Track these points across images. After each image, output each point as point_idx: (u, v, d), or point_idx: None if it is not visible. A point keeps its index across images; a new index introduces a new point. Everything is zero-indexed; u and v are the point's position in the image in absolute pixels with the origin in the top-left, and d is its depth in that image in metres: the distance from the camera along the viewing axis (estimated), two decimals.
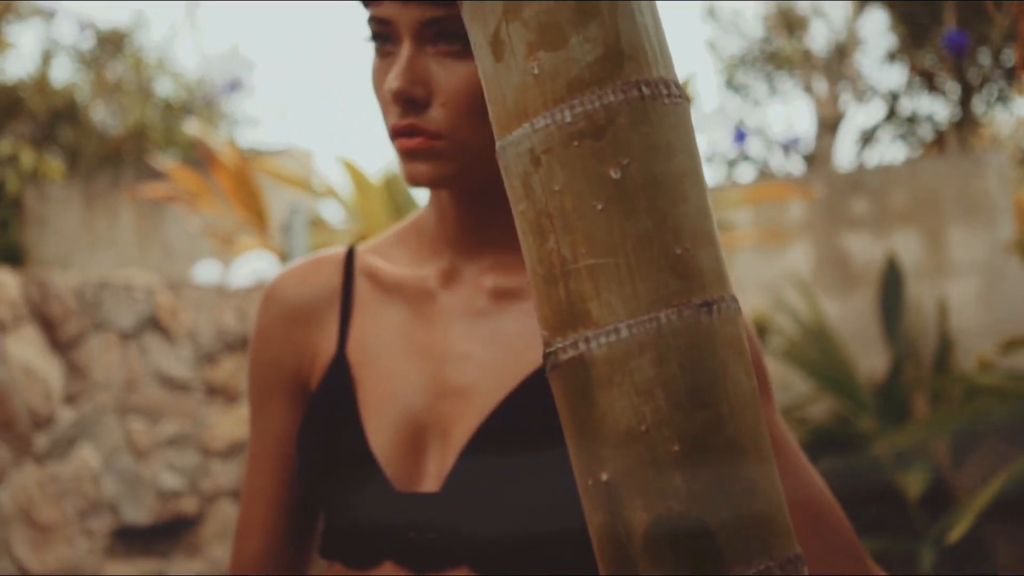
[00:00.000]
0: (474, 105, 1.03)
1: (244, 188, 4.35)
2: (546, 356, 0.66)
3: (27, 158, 6.54)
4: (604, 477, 0.63)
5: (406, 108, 1.03)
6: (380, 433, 1.05)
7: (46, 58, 7.22)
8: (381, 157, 6.82)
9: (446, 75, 1.03)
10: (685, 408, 0.62)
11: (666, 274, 0.63)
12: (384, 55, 1.05)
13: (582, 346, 0.63)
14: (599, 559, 0.66)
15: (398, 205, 4.22)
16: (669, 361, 0.63)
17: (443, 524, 1.01)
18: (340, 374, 1.08)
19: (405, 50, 1.03)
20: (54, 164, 6.65)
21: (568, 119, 0.63)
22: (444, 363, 1.07)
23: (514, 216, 0.66)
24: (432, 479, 1.03)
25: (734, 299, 0.66)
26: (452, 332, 1.09)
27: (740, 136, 6.46)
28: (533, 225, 0.65)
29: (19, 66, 9.35)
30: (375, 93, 1.07)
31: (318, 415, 1.08)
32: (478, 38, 0.67)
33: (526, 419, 1.01)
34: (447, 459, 1.03)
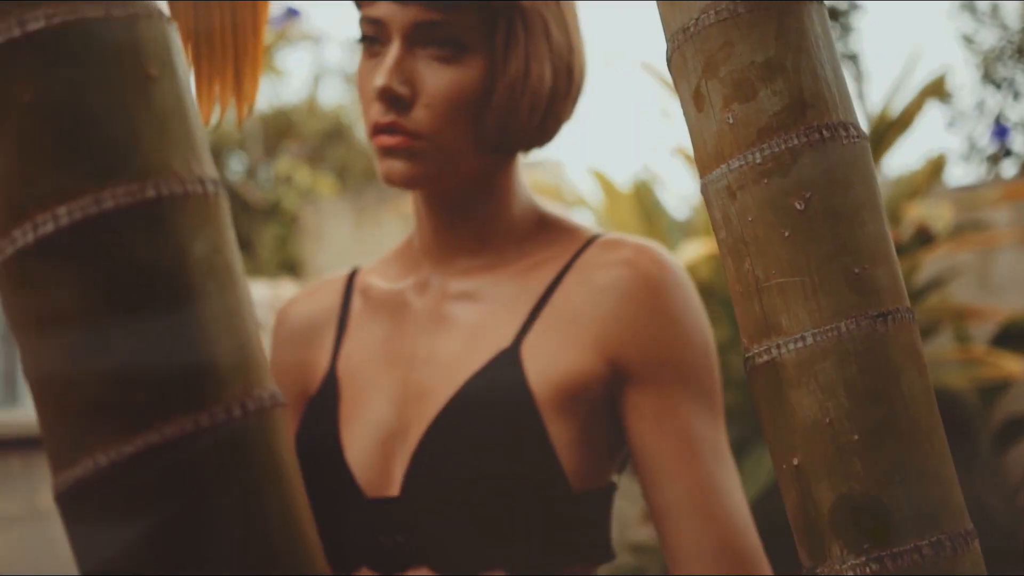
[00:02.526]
0: (457, 110, 1.04)
1: None
2: (745, 360, 0.78)
3: (302, 176, 7.01)
4: (795, 462, 0.75)
5: (389, 106, 1.03)
6: (354, 442, 1.06)
7: (315, 82, 7.70)
8: (630, 166, 6.95)
9: (433, 78, 1.04)
10: (864, 404, 0.73)
11: (845, 290, 0.74)
12: (372, 55, 1.06)
13: (774, 352, 0.75)
14: (795, 532, 0.77)
15: (647, 213, 4.33)
16: (849, 364, 0.74)
17: (404, 526, 1.02)
18: (328, 389, 1.10)
19: (394, 49, 1.04)
20: (326, 181, 7.09)
21: (758, 160, 0.75)
22: (410, 369, 1.07)
23: (716, 242, 0.78)
24: (396, 483, 1.04)
25: (909, 311, 0.77)
26: (419, 338, 1.09)
27: (1001, 131, 6.23)
28: (731, 250, 0.77)
29: (291, 90, 10.01)
30: (359, 92, 1.08)
31: (303, 429, 1.09)
32: (683, 92, 0.80)
33: (465, 419, 1.02)
34: (405, 462, 1.04)
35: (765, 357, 0.75)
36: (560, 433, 1.00)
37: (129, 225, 0.53)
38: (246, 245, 6.74)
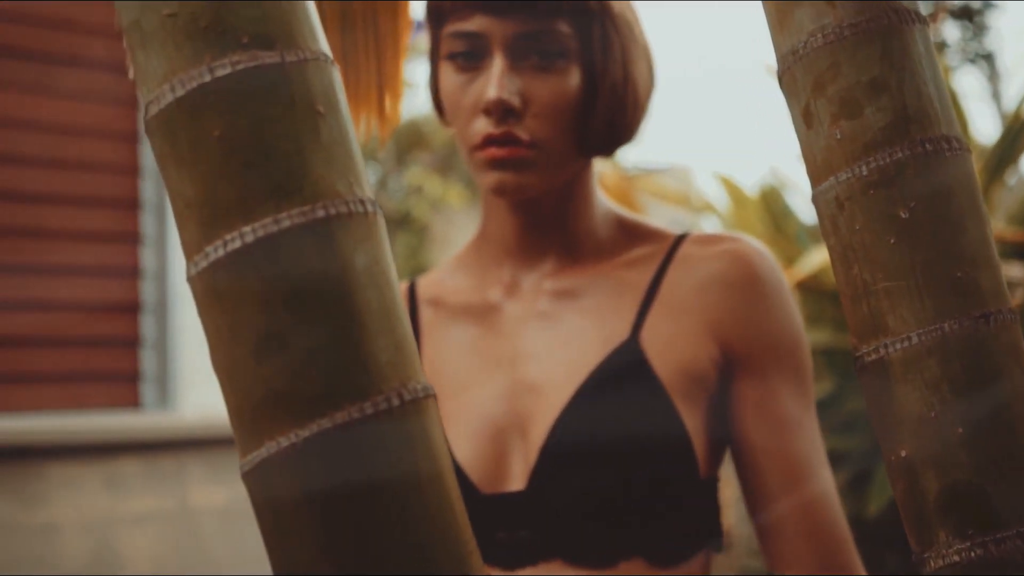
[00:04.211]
0: (564, 116, 1.06)
1: (627, 206, 4.61)
2: (855, 359, 0.83)
3: (432, 186, 7.15)
4: (903, 453, 0.80)
5: (502, 117, 1.05)
6: (462, 441, 1.07)
7: None
8: (757, 171, 6.94)
9: (538, 88, 1.05)
10: (967, 399, 0.78)
11: (948, 293, 0.79)
12: (465, 69, 1.07)
13: (882, 351, 0.80)
14: (904, 520, 0.82)
15: (775, 218, 4.33)
16: (952, 362, 0.78)
17: (533, 520, 1.03)
18: None
19: (499, 61, 1.05)
20: (455, 191, 7.22)
21: (865, 173, 0.80)
22: (515, 366, 1.09)
23: (826, 248, 0.84)
24: (517, 478, 1.05)
25: (1011, 311, 0.81)
26: (519, 337, 1.10)
27: None
28: (840, 256, 0.82)
29: (421, 102, 10.21)
30: (451, 108, 1.09)
31: None
32: (793, 110, 0.86)
33: (597, 410, 1.03)
34: (529, 456, 1.05)
35: (873, 356, 0.80)
36: (688, 419, 1.04)
37: (303, 241, 0.62)
38: None
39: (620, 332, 1.08)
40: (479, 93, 1.06)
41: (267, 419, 0.61)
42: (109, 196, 3.70)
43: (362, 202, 0.64)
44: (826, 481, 1.07)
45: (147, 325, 3.74)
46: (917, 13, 0.83)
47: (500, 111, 1.04)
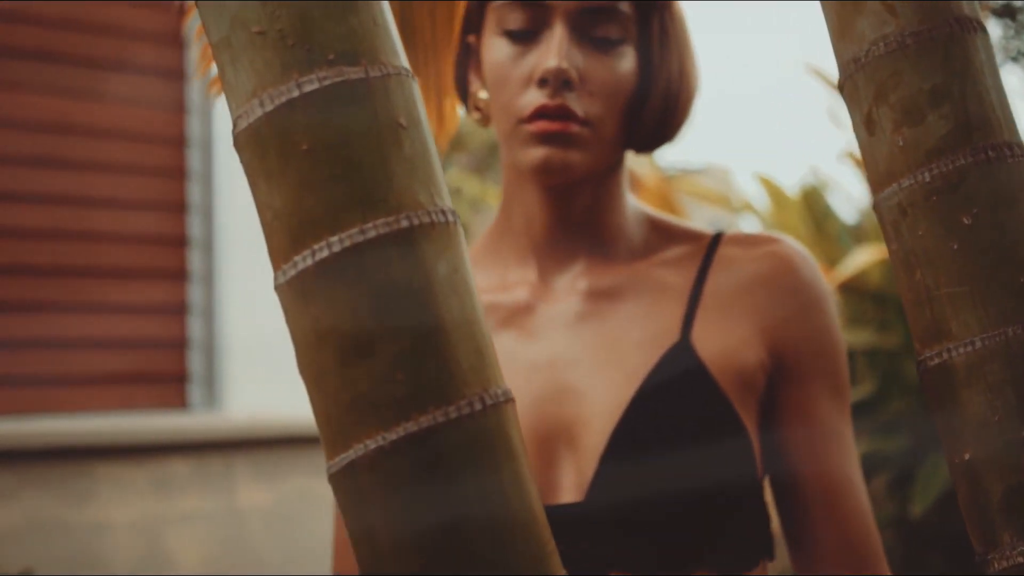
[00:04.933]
0: (619, 100, 1.03)
1: (666, 207, 4.62)
2: (918, 363, 0.85)
3: (471, 187, 7.18)
4: (966, 456, 0.81)
5: (558, 89, 1.00)
6: None
7: None
8: (797, 171, 6.93)
9: (597, 66, 1.02)
10: None
11: (1011, 298, 0.80)
12: (519, 41, 1.03)
13: (945, 355, 0.81)
14: (967, 521, 0.83)
15: (816, 219, 4.32)
16: (1015, 366, 0.80)
17: (593, 532, 0.98)
18: None
19: (559, 31, 1.01)
20: (494, 192, 7.25)
21: (927, 179, 0.82)
22: (555, 372, 1.03)
23: (889, 254, 0.85)
24: (570, 489, 1.00)
25: None
26: (557, 340, 1.05)
27: None
28: (903, 262, 0.84)
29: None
30: (500, 80, 1.04)
31: None
32: (855, 117, 0.87)
33: (655, 419, 0.99)
34: (583, 467, 1.00)
35: (937, 360, 0.81)
36: (746, 423, 1.02)
37: (387, 250, 0.64)
38: None
39: (669, 334, 1.04)
40: (534, 64, 1.02)
41: (354, 423, 0.63)
42: (156, 199, 3.75)
43: (443, 212, 0.66)
44: (862, 494, 1.06)
45: (195, 327, 3.79)
46: (978, 22, 0.84)
47: (558, 81, 1.00)
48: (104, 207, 3.63)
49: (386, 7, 0.68)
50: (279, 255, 0.66)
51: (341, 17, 0.65)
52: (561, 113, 1.01)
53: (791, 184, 4.41)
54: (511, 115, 1.03)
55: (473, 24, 1.10)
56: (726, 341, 1.03)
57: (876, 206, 0.86)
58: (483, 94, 1.10)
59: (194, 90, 3.80)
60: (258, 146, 0.65)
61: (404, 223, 0.64)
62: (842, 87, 0.87)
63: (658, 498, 0.97)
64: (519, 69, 1.03)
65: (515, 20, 1.03)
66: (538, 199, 1.08)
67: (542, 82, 1.01)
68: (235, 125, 0.67)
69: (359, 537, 0.65)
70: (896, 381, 3.54)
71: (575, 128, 1.01)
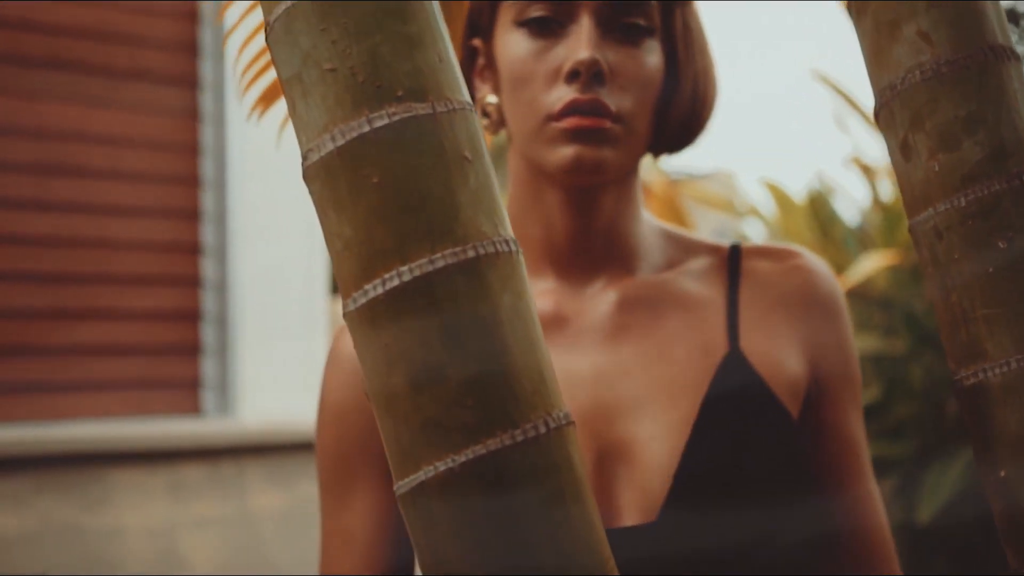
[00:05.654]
0: (649, 96, 0.99)
1: (672, 213, 4.64)
2: (954, 383, 0.87)
3: None
4: (1002, 474, 0.84)
5: (589, 83, 0.96)
6: None
7: None
8: (801, 176, 6.96)
9: (627, 59, 0.98)
10: None
11: None
12: (542, 35, 0.98)
13: (981, 375, 0.84)
14: (1001, 536, 0.86)
15: (823, 224, 4.34)
16: None
17: (669, 554, 0.94)
18: None
19: (588, 23, 0.97)
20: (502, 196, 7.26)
21: (963, 204, 0.84)
22: (600, 387, 0.99)
23: (925, 276, 0.88)
24: (633, 510, 0.96)
25: None
26: (598, 354, 1.01)
27: None
28: (938, 284, 0.86)
29: None
30: (522, 76, 0.99)
31: None
32: (891, 142, 0.90)
33: (723, 433, 0.97)
34: (649, 485, 0.96)
35: (973, 380, 0.84)
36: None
37: (455, 279, 0.66)
38: None
39: (717, 345, 1.01)
40: (562, 58, 0.97)
41: (424, 445, 0.66)
42: (170, 207, 3.78)
43: (507, 242, 0.68)
44: (880, 503, 1.07)
45: (208, 333, 3.82)
46: (1012, 51, 0.87)
47: (590, 74, 0.95)
48: (118, 214, 3.66)
49: (450, 45, 0.71)
50: (349, 283, 0.68)
51: (408, 55, 0.68)
52: (594, 108, 0.96)
53: (797, 190, 4.42)
54: (536, 113, 0.98)
55: (480, 26, 1.05)
56: (774, 353, 1.01)
57: (912, 229, 0.88)
58: (491, 98, 1.06)
59: (207, 99, 3.82)
60: (329, 178, 0.68)
61: (471, 253, 0.66)
62: (878, 113, 0.89)
63: (737, 516, 0.94)
64: (544, 64, 0.98)
65: (538, 11, 0.98)
66: (560, 204, 1.02)
67: (572, 76, 0.96)
68: (305, 158, 0.69)
69: (426, 555, 0.67)
70: (902, 386, 3.57)
71: (608, 124, 0.96)
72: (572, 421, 0.68)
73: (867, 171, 4.23)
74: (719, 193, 5.55)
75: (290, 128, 0.82)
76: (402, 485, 0.67)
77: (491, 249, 0.67)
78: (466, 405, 0.65)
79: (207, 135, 3.81)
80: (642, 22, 0.99)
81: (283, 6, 0.68)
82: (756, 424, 0.98)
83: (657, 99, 1.01)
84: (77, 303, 3.59)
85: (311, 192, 0.70)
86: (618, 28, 0.98)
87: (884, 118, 0.89)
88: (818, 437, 1.05)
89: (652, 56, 1.00)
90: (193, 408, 3.76)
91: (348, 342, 1.02)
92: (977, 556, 3.48)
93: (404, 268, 0.66)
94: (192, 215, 3.80)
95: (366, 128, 0.67)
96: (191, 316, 3.79)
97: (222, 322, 3.81)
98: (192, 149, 3.79)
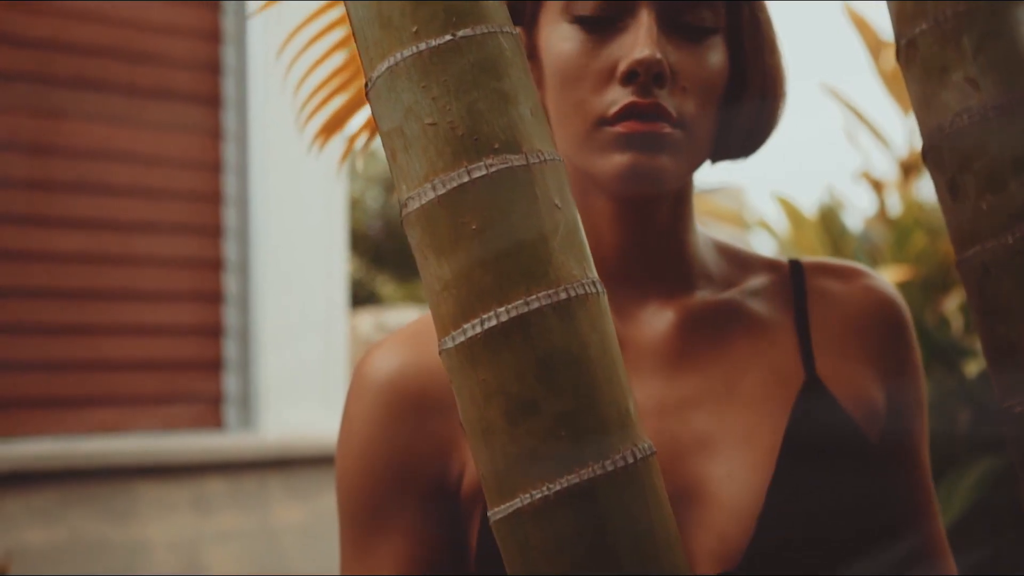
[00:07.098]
0: (712, 99, 0.91)
1: None
2: (1003, 411, 0.92)
3: None
4: None
5: (648, 86, 0.87)
6: None
7: None
8: (811, 191, 7.01)
9: (689, 59, 0.89)
10: None
11: None
12: (595, 30, 0.89)
13: None
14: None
15: (833, 238, 4.38)
16: None
17: None
18: None
19: (647, 19, 0.87)
20: None
21: (1010, 241, 0.89)
22: (666, 418, 0.92)
23: (970, 310, 0.93)
24: (710, 557, 0.88)
25: None
26: (660, 381, 0.93)
27: None
28: (986, 317, 0.91)
29: None
30: (572, 76, 0.89)
31: None
32: (939, 181, 0.94)
33: (809, 471, 0.90)
34: (729, 531, 0.88)
35: (1019, 409, 0.88)
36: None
37: (549, 319, 0.71)
38: None
39: (792, 372, 0.94)
40: (618, 55, 0.88)
41: (519, 474, 0.71)
42: (193, 223, 3.83)
43: (594, 283, 0.73)
44: (947, 545, 1.04)
45: (230, 348, 3.87)
46: None
47: (650, 75, 0.86)
48: (142, 231, 3.71)
49: (538, 99, 0.76)
50: (447, 322, 0.73)
51: (503, 110, 0.72)
52: (654, 112, 0.87)
53: (808, 204, 4.45)
54: (587, 115, 0.89)
55: (522, 12, 0.95)
56: (853, 380, 0.95)
57: (959, 265, 0.93)
58: None
59: (230, 117, 3.87)
60: (430, 224, 0.72)
61: (563, 295, 0.71)
62: (926, 154, 0.94)
63: (829, 561, 0.87)
64: (597, 62, 0.88)
65: (590, 6, 0.89)
66: (611, 216, 0.94)
67: (629, 76, 0.87)
68: (405, 205, 0.74)
69: None
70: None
71: (668, 130, 0.88)
72: (655, 451, 0.73)
73: (877, 186, 4.27)
74: (728, 207, 5.59)
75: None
76: (498, 512, 0.72)
77: (581, 291, 0.72)
78: (559, 436, 0.70)
79: (230, 153, 3.86)
80: (707, 21, 0.90)
81: (386, 64, 0.73)
82: (842, 458, 0.92)
83: (721, 102, 0.93)
84: (101, 319, 3.64)
85: (410, 237, 0.74)
86: (680, 23, 0.90)
87: (932, 159, 0.94)
88: (896, 470, 1.00)
89: (715, 54, 0.91)
90: (216, 422, 3.81)
91: (375, 369, 0.94)
92: (989, 570, 3.52)
93: (501, 309, 0.71)
94: (215, 231, 3.85)
95: (465, 178, 0.71)
96: (213, 331, 3.84)
97: (244, 338, 3.85)
98: (215, 167, 3.85)
